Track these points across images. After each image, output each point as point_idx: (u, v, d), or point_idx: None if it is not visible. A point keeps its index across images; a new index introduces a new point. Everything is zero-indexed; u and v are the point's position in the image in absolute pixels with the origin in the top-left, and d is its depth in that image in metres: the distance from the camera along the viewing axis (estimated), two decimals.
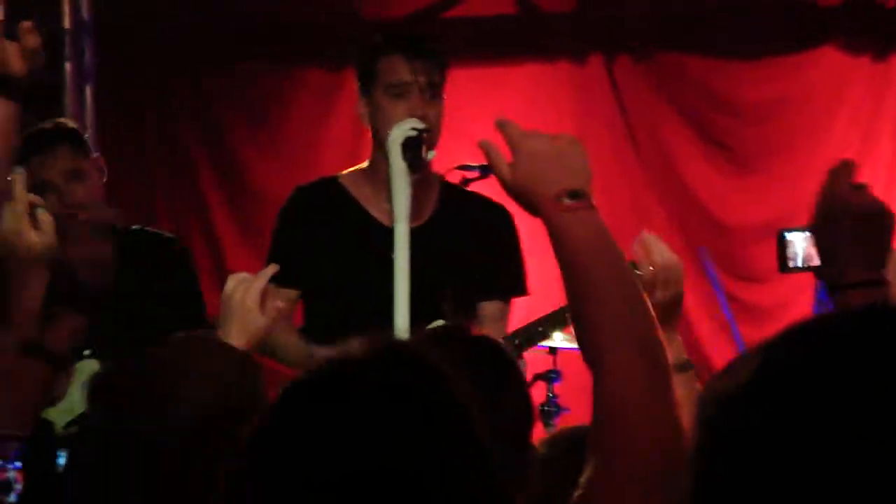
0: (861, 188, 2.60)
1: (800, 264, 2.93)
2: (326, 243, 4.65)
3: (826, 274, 2.69)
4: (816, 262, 2.78)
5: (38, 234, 3.28)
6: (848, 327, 1.57)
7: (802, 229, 2.90)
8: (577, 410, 6.06)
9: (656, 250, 3.30)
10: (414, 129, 4.21)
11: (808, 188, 8.23)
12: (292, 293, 4.64)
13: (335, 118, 7.81)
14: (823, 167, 8.32)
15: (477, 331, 3.26)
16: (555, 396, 5.95)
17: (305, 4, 7.90)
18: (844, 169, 2.60)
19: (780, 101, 7.63)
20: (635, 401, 2.38)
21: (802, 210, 8.28)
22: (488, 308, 4.64)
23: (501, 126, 2.47)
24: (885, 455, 1.40)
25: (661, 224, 7.61)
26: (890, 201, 8.08)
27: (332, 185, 4.77)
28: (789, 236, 2.95)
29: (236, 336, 3.35)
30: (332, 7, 7.89)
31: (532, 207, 2.49)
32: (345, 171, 4.79)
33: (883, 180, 7.51)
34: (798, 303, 7.15)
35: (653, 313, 2.45)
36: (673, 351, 2.88)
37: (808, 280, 6.45)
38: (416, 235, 4.12)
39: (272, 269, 3.46)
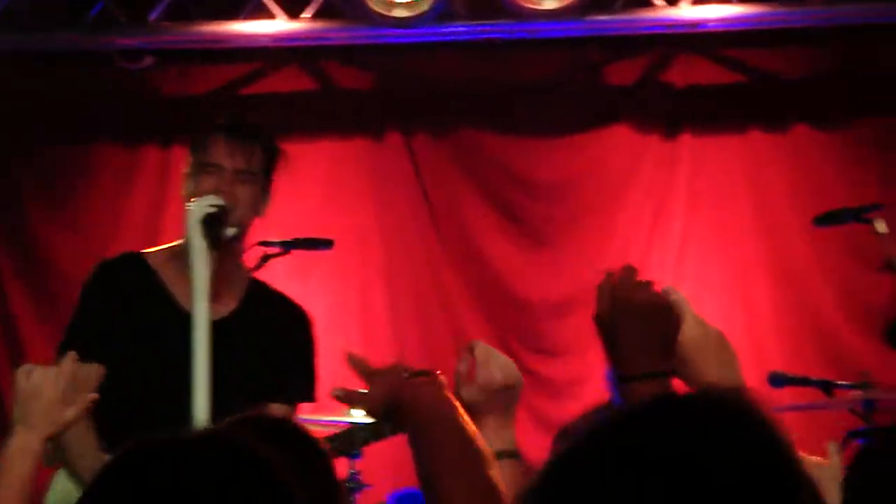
0: (644, 284, 2.66)
1: None
2: (125, 324, 4.53)
3: (613, 365, 2.73)
4: None
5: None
6: (627, 427, 1.65)
7: None
8: (379, 487, 6.32)
9: (494, 365, 3.25)
10: (214, 205, 4.15)
11: (601, 264, 8.41)
12: (100, 370, 4.41)
13: (133, 195, 7.75)
14: (618, 243, 8.48)
15: (279, 415, 3.23)
16: (357, 473, 6.06)
17: (105, 82, 7.86)
18: (627, 271, 2.68)
19: (575, 178, 7.73)
20: None
21: (595, 286, 8.28)
22: (274, 410, 4.52)
23: (352, 362, 2.91)
24: None
25: (462, 300, 7.75)
26: (681, 276, 8.23)
27: (136, 262, 4.65)
28: None
29: (39, 429, 3.30)
30: (130, 85, 7.84)
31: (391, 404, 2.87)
32: (153, 249, 4.67)
33: (674, 256, 7.73)
34: (593, 377, 7.20)
35: (495, 472, 2.69)
36: (504, 440, 3.08)
37: (603, 356, 6.55)
38: (218, 327, 4.07)
39: (70, 359, 3.36)
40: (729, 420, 1.68)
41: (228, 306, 4.45)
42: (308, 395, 4.69)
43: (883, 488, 2.17)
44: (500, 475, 2.83)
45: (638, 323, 2.60)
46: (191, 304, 4.06)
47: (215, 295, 4.18)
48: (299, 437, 2.71)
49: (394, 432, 3.79)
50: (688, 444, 1.65)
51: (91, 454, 4.34)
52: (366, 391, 2.96)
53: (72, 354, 3.45)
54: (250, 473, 1.86)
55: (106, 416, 4.28)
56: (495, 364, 3.21)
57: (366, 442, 4.18)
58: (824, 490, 3.88)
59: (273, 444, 1.99)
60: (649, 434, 1.64)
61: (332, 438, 4.08)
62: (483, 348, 3.22)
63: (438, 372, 2.85)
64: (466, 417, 2.79)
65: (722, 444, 1.65)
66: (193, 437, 1.95)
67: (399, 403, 2.85)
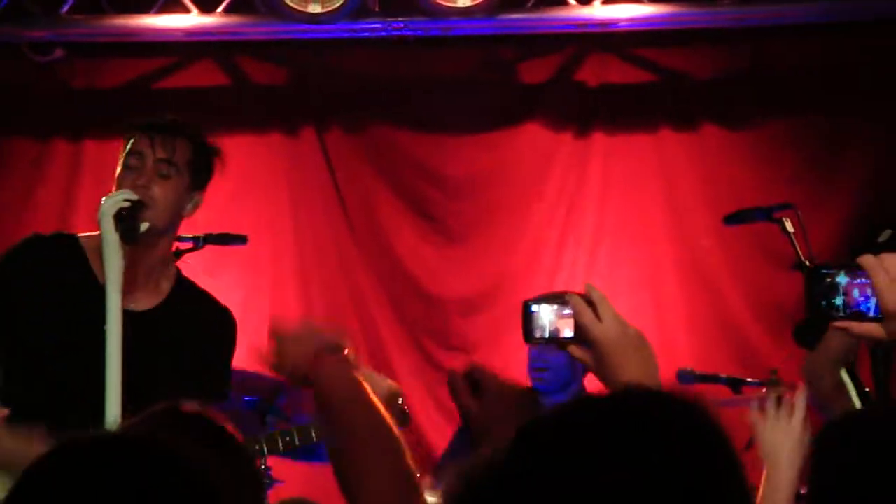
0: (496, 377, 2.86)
1: (546, 336, 2.81)
2: (48, 301, 4.47)
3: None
4: (564, 333, 2.77)
5: None
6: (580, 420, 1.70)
7: (548, 301, 2.81)
8: (291, 483, 6.23)
9: (375, 385, 3.26)
10: (127, 199, 4.14)
11: (514, 261, 8.42)
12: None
13: (44, 187, 7.67)
14: (530, 240, 8.51)
15: (195, 408, 3.14)
16: (268, 469, 6.01)
17: (15, 74, 7.82)
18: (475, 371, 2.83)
19: (488, 175, 7.76)
20: None
21: (508, 282, 8.40)
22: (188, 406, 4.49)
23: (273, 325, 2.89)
24: None
25: (374, 296, 7.78)
26: (593, 273, 8.27)
27: (70, 243, 4.58)
28: (534, 307, 2.82)
29: None
30: (40, 77, 7.79)
31: (302, 378, 2.85)
32: (88, 234, 4.58)
33: (587, 253, 7.77)
34: (507, 373, 7.26)
35: (406, 449, 2.71)
36: None
37: (518, 351, 6.62)
38: (141, 319, 4.12)
39: None
40: (662, 421, 1.72)
41: (153, 300, 4.44)
42: (224, 394, 4.67)
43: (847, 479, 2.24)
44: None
45: (511, 418, 2.67)
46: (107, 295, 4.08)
47: (140, 287, 4.24)
48: (218, 430, 2.71)
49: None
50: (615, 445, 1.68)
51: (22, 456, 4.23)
52: (276, 358, 2.97)
53: None
54: (172, 476, 1.86)
55: (28, 391, 4.36)
56: (373, 383, 3.25)
57: (289, 444, 4.48)
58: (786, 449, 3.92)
59: (193, 439, 2.07)
60: (578, 437, 1.69)
61: (256, 439, 4.21)
62: (369, 374, 3.27)
63: (347, 350, 2.85)
64: (375, 398, 2.80)
65: (656, 445, 1.68)
66: (115, 439, 1.93)
67: (309, 378, 2.85)
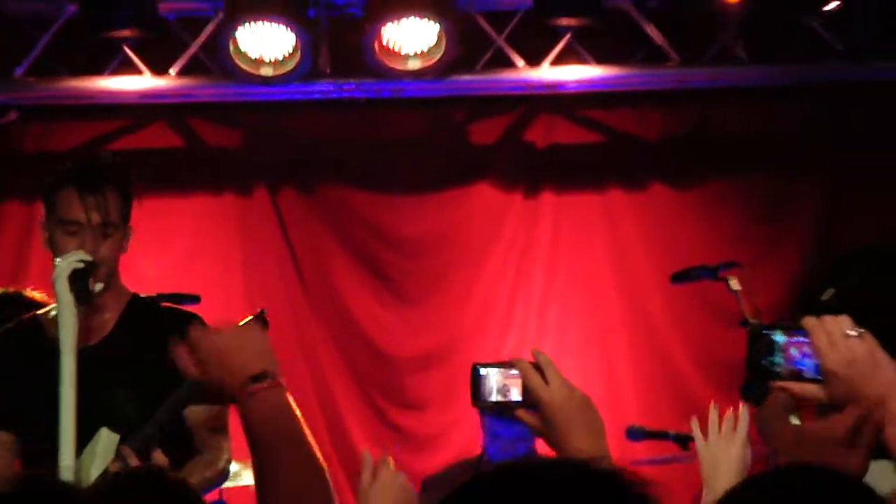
0: None
1: (495, 398, 2.87)
2: (26, 384, 4.55)
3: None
4: (513, 396, 2.81)
5: None
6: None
7: (497, 365, 2.85)
8: None
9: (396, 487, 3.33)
10: (80, 261, 4.16)
11: (465, 320, 8.39)
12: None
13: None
14: (480, 300, 8.46)
15: (165, 474, 3.16)
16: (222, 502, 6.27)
17: None
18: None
19: (439, 235, 7.79)
20: None
21: (461, 341, 8.34)
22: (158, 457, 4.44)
23: (194, 337, 2.76)
24: None
25: (327, 355, 7.77)
26: (543, 332, 8.24)
27: (30, 325, 4.67)
28: (483, 371, 2.86)
29: None
30: None
31: (229, 398, 2.71)
32: (44, 310, 4.68)
33: (536, 311, 7.78)
34: (454, 431, 7.32)
35: (324, 467, 2.66)
36: None
37: (470, 408, 6.55)
38: (92, 352, 4.17)
39: None
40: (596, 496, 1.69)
41: (104, 332, 4.48)
42: (196, 397, 4.61)
43: None
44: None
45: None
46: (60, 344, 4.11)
47: (90, 332, 4.32)
48: (175, 490, 2.71)
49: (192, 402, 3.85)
50: None
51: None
52: (199, 366, 2.84)
53: None
54: None
55: (26, 461, 4.51)
56: (397, 488, 3.29)
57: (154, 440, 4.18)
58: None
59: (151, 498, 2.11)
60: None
61: (130, 440, 4.04)
62: (388, 470, 3.27)
63: (277, 376, 2.74)
64: (303, 422, 2.74)
65: None
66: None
67: (236, 400, 2.76)
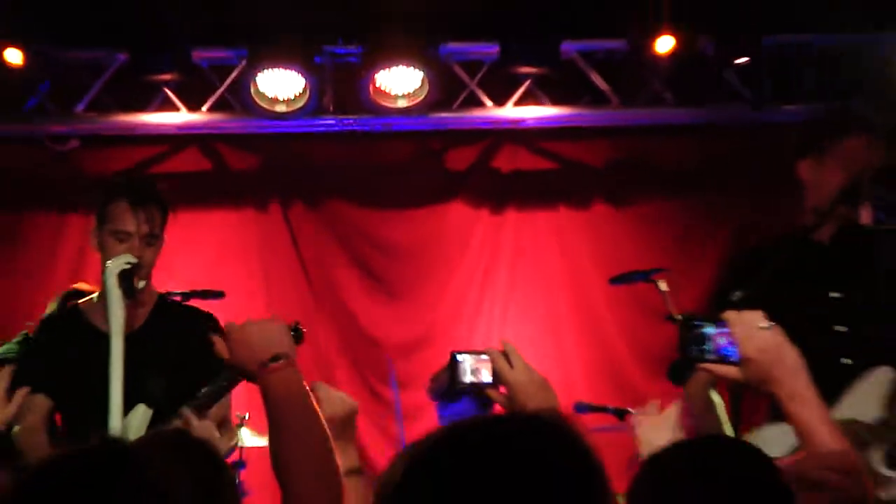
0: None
1: (469, 380, 2.81)
2: (67, 359, 4.52)
3: None
4: (483, 378, 2.77)
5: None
6: (482, 431, 1.64)
7: (471, 352, 2.83)
8: (258, 495, 6.08)
9: (335, 399, 3.22)
10: (128, 262, 4.16)
11: (441, 313, 8.13)
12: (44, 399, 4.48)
13: (60, 254, 7.72)
14: (454, 296, 8.11)
15: (190, 435, 2.90)
16: (241, 483, 6.02)
17: (37, 161, 7.79)
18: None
19: (421, 243, 7.80)
20: None
21: (438, 330, 7.99)
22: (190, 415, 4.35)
23: (228, 327, 2.74)
24: None
25: (330, 342, 7.71)
26: (506, 323, 8.03)
27: (71, 312, 4.65)
28: (460, 357, 2.84)
29: None
30: (57, 163, 7.76)
31: (252, 376, 2.67)
32: (84, 299, 4.67)
33: (500, 306, 7.75)
34: (432, 405, 6.78)
35: (332, 447, 2.59)
36: (348, 460, 3.00)
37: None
38: (128, 340, 4.07)
39: (6, 373, 3.28)
40: (546, 431, 1.66)
41: (137, 324, 4.43)
42: (235, 381, 4.45)
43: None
44: (347, 486, 2.79)
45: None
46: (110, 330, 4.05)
47: (127, 323, 4.17)
48: (200, 452, 2.55)
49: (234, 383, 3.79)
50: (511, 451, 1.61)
51: (40, 454, 4.26)
52: (228, 353, 2.79)
53: (23, 390, 3.31)
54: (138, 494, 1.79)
55: (64, 420, 4.41)
56: (335, 399, 3.18)
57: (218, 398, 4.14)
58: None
59: (175, 461, 2.04)
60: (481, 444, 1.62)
61: (190, 403, 4.00)
62: (323, 388, 3.15)
63: (292, 358, 2.69)
64: (314, 399, 2.69)
65: (542, 453, 1.62)
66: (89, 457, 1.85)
67: (257, 379, 2.70)
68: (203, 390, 3.92)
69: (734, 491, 2.06)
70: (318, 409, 2.66)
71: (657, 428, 3.63)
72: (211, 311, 4.55)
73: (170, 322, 4.54)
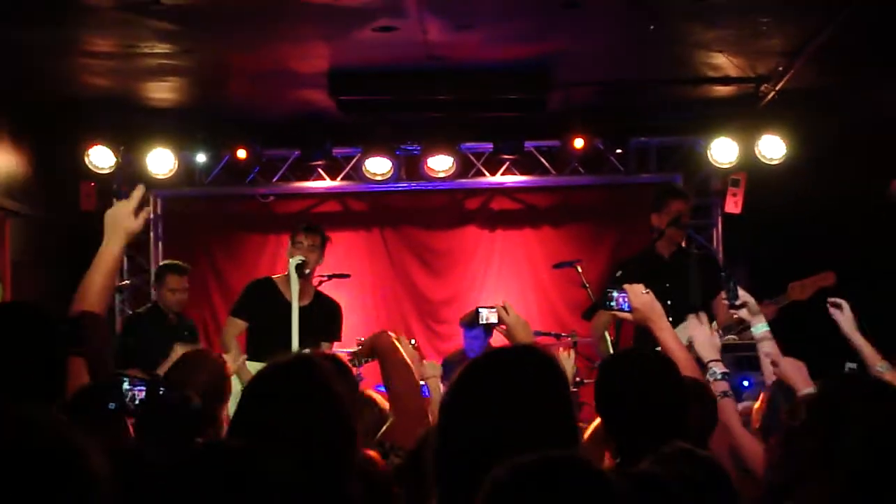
0: None
1: (485, 321, 2.77)
2: (264, 307, 4.65)
3: None
4: (493, 320, 2.70)
5: (135, 221, 2.73)
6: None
7: (487, 307, 2.79)
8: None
9: (407, 346, 3.23)
10: (302, 259, 4.36)
11: (463, 286, 8.43)
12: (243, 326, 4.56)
13: (263, 255, 7.71)
14: (470, 277, 9.07)
15: (329, 354, 3.13)
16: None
17: (251, 207, 7.72)
18: None
19: (453, 251, 8.09)
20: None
21: (462, 295, 8.47)
22: (324, 345, 4.82)
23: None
24: None
25: (404, 300, 7.76)
26: (498, 290, 7.95)
27: (268, 281, 4.90)
28: (481, 310, 2.73)
29: (112, 240, 2.56)
30: (262, 209, 7.74)
31: (367, 352, 2.96)
32: (275, 276, 4.84)
33: (494, 282, 7.72)
34: (459, 335, 6.75)
35: (413, 371, 2.63)
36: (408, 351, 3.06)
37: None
38: (303, 309, 4.16)
39: (139, 190, 2.82)
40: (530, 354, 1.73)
41: (306, 300, 4.59)
42: (338, 337, 4.97)
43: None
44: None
45: None
46: (291, 301, 4.21)
47: (303, 296, 4.36)
48: (339, 362, 2.55)
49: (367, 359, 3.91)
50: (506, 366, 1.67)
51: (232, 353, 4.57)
52: (361, 347, 3.39)
53: (139, 188, 2.87)
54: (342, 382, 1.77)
55: (252, 352, 4.60)
56: (405, 343, 3.11)
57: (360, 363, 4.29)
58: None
59: (338, 372, 1.97)
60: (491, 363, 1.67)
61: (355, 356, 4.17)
62: (403, 340, 3.10)
63: (389, 331, 2.99)
64: (404, 354, 2.78)
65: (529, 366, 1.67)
66: (289, 362, 1.86)
67: (374, 345, 2.95)
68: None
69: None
70: (402, 351, 2.85)
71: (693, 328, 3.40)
72: (339, 294, 4.77)
73: (321, 303, 4.79)
